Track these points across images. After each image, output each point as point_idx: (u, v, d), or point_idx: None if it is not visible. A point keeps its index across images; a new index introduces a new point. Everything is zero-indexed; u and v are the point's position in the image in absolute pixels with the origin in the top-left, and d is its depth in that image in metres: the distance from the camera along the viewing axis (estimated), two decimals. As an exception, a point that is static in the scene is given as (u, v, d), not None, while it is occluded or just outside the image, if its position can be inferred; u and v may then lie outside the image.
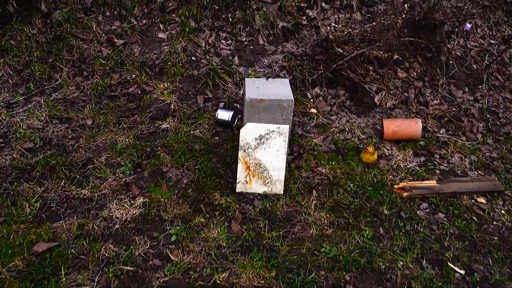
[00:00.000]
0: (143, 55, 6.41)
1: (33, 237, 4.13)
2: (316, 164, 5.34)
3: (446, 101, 6.48)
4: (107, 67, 6.23)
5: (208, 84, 6.21)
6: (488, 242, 4.46)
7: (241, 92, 6.11)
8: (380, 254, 4.22)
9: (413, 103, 6.37)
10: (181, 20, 6.59)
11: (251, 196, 4.84)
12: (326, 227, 4.50)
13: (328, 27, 6.64)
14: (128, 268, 3.96)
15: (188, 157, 5.28)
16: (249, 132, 4.74)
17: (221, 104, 6.07)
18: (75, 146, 5.29)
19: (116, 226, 4.33)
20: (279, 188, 4.87)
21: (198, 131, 5.72)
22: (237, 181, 4.88)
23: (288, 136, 4.83)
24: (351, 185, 5.05)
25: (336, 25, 6.58)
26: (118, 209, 4.51)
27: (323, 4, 6.97)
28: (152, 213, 4.51)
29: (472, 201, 4.91)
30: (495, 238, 4.52)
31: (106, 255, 4.06)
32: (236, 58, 6.48)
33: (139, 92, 6.12)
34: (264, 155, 4.83)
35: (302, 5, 6.94)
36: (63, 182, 4.75)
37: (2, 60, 6.11)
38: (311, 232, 4.43)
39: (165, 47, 6.46)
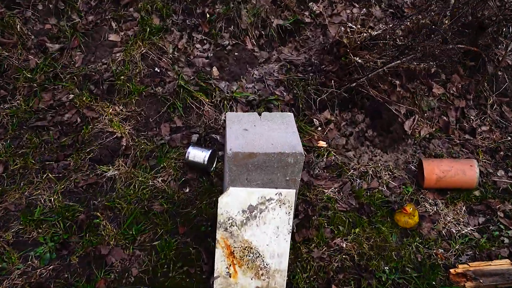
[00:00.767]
0: (87, 65, 4.46)
1: None
2: (333, 234, 3.50)
3: (497, 127, 4.66)
4: (34, 83, 4.27)
5: (176, 106, 4.31)
6: None
7: (223, 118, 4.20)
8: None
9: (455, 130, 4.54)
10: (141, 16, 4.64)
11: (236, 302, 3.00)
12: None
13: (340, 27, 4.73)
14: None
15: (143, 227, 3.40)
16: (232, 202, 2.88)
17: (194, 137, 4.17)
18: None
19: None
20: (280, 283, 3.02)
21: (160, 179, 3.84)
22: (215, 274, 3.01)
23: (294, 204, 2.97)
24: (386, 268, 3.23)
25: (351, 24, 4.68)
26: None
27: (332, -5, 5.07)
28: None
29: None
30: None
31: None
32: (215, 69, 4.57)
33: (78, 120, 4.20)
34: (257, 235, 2.97)
35: (304, -4, 5.03)
36: None
37: None
38: None
39: (117, 55, 4.51)
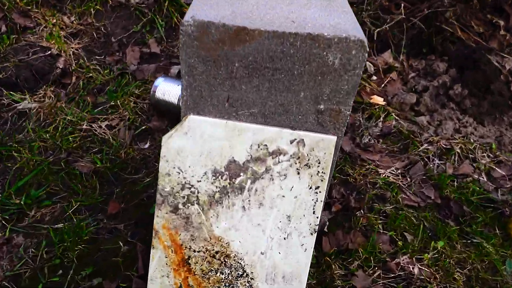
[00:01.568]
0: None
1: None
2: (394, 246, 1.75)
3: None
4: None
5: (156, 25, 2.68)
6: None
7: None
8: None
9: None
10: None
11: None
12: None
13: None
14: None
15: (45, 194, 1.75)
16: (192, 150, 1.19)
17: (175, 69, 2.54)
18: None
19: None
20: None
21: (104, 125, 2.21)
22: None
23: (330, 175, 1.25)
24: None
25: None
26: None
27: None
28: None
29: None
30: None
31: None
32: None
33: (2, 28, 2.61)
34: (241, 231, 1.27)
35: None
36: None
37: None
38: None
39: None
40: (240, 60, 1.17)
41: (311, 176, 1.30)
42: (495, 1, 2.98)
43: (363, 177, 2.15)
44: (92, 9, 2.81)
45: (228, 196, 1.32)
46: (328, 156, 1.27)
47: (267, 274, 1.38)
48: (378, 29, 2.74)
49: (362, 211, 1.95)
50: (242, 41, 1.15)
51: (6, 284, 1.52)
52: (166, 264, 1.38)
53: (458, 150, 2.37)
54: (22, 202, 1.78)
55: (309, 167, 1.29)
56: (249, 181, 1.30)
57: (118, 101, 2.39)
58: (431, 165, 2.28)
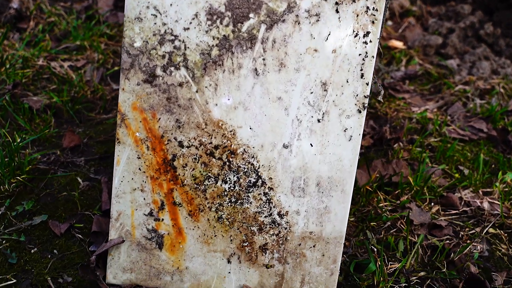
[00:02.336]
0: None
1: None
2: (449, 178, 1.27)
3: None
4: None
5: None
6: None
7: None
8: None
9: None
10: None
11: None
12: None
13: None
14: None
15: None
16: None
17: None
18: None
19: None
20: (327, 279, 0.79)
21: (67, 65, 1.74)
22: (111, 235, 0.82)
23: (384, 16, 0.80)
24: None
25: None
26: None
27: None
28: None
29: None
30: None
31: None
32: None
33: None
34: (263, 109, 0.79)
35: None
36: None
37: None
38: None
39: None
40: None
41: (357, 16, 0.85)
42: None
43: (394, 112, 1.70)
44: (58, -44, 2.40)
45: (232, 53, 0.86)
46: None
47: (293, 180, 0.91)
48: (391, -32, 2.38)
49: (400, 143, 1.49)
50: None
51: None
52: (139, 169, 0.89)
53: (502, 90, 1.95)
54: None
55: (354, 1, 0.84)
56: (263, 27, 0.85)
57: (85, 42, 1.94)
58: (471, 105, 1.84)
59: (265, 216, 0.93)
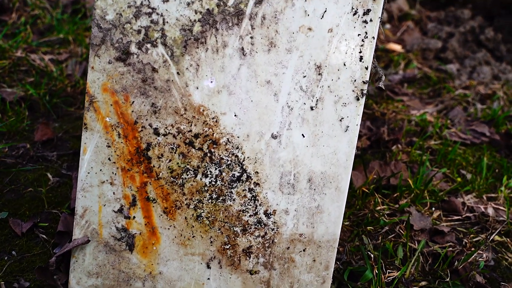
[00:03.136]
0: None
1: None
2: (451, 182, 1.17)
3: None
4: None
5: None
6: None
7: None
8: None
9: None
10: None
11: None
12: None
13: None
14: None
15: None
16: None
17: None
18: None
19: None
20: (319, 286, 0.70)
21: (48, 58, 1.64)
22: (75, 234, 0.71)
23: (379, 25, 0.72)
24: None
25: None
26: None
27: None
28: None
29: None
30: None
31: None
32: None
33: None
34: (249, 93, 0.69)
35: None
36: None
37: None
38: None
39: None
40: None
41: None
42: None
43: (393, 114, 1.62)
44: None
45: (216, 30, 0.76)
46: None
47: (282, 175, 0.81)
48: (389, -30, 2.31)
49: (399, 145, 1.40)
50: None
51: None
52: (109, 159, 0.79)
53: (502, 95, 1.87)
54: None
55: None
56: (251, 1, 0.76)
57: (69, 36, 1.84)
58: (471, 109, 1.76)
59: (250, 216, 0.83)
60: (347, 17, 0.77)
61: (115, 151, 0.80)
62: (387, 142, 1.39)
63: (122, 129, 0.79)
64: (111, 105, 0.79)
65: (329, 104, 0.80)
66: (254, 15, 0.77)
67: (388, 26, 2.30)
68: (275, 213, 0.83)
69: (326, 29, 0.78)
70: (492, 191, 1.27)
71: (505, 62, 2.13)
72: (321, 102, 0.80)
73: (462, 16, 2.29)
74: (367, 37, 0.78)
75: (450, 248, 1.03)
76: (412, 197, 1.18)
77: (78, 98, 1.55)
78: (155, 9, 0.76)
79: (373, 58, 0.80)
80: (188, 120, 0.80)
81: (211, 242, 0.84)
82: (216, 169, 0.81)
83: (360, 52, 0.79)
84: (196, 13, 0.76)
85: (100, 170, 0.81)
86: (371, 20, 0.78)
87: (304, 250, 0.84)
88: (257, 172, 0.82)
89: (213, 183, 0.82)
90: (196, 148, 0.81)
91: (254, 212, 0.83)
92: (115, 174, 0.81)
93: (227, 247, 0.84)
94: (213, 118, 0.80)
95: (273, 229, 0.84)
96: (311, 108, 0.80)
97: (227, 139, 0.80)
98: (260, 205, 0.83)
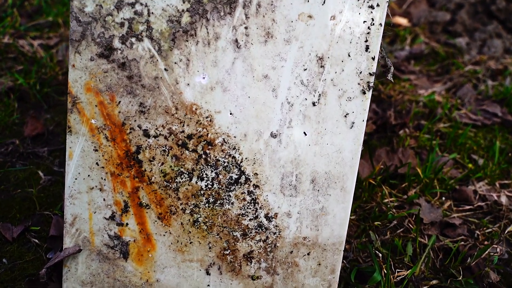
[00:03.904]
0: None
1: None
2: (462, 169, 1.11)
3: None
4: None
5: None
6: None
7: None
8: None
9: None
10: None
11: None
12: None
13: None
14: None
15: None
16: None
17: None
18: None
19: None
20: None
21: (38, 44, 1.57)
22: (65, 243, 0.66)
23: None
24: None
25: None
26: None
27: None
28: None
29: None
30: None
31: None
32: None
33: None
34: (246, 89, 0.63)
35: None
36: None
37: None
38: None
39: None
40: None
41: None
42: None
43: (399, 95, 1.54)
44: None
45: (207, 20, 0.69)
46: None
47: (284, 176, 0.75)
48: None
49: (407, 129, 1.34)
50: None
51: None
52: (97, 164, 0.73)
53: (514, 69, 1.78)
54: None
55: (358, -46, 0.68)
56: (245, -12, 0.68)
57: (59, 19, 1.76)
58: (481, 87, 1.68)
59: (250, 219, 0.78)
60: (351, 2, 0.70)
61: (103, 155, 0.74)
62: (394, 127, 1.33)
63: (109, 131, 0.73)
64: (96, 106, 0.72)
65: (332, 98, 0.74)
66: (248, 3, 0.69)
67: (394, -2, 2.19)
68: (276, 216, 0.78)
69: (328, 16, 0.70)
70: (505, 177, 1.21)
71: (517, 33, 2.03)
72: (324, 97, 0.73)
73: (471, -14, 2.17)
74: (373, 24, 0.71)
75: (462, 242, 0.98)
76: (421, 186, 1.12)
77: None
78: (139, -1, 0.69)
79: (381, 47, 0.73)
80: (180, 120, 0.74)
81: (209, 247, 0.79)
82: (212, 171, 0.76)
83: (366, 41, 0.72)
84: (184, 2, 0.69)
85: (88, 175, 0.75)
86: (378, 5, 0.70)
87: (308, 254, 0.80)
88: (256, 174, 0.76)
89: (210, 186, 0.76)
90: (190, 149, 0.75)
91: (254, 215, 0.78)
92: (105, 179, 0.75)
93: (227, 252, 0.79)
94: (207, 117, 0.74)
95: (275, 233, 0.79)
96: (313, 104, 0.74)
97: (223, 139, 0.74)
98: (260, 208, 0.77)
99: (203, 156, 0.75)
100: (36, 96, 1.39)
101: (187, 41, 0.70)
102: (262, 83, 0.73)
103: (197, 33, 0.70)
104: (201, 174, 0.76)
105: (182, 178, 0.76)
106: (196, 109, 0.73)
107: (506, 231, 1.02)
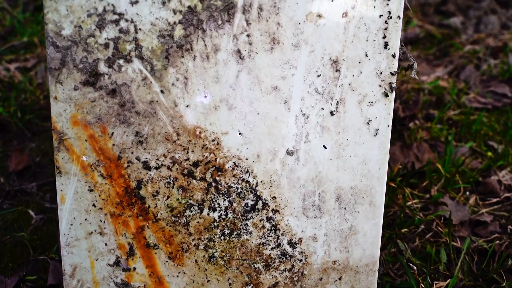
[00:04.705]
0: None
1: None
2: (484, 163, 1.03)
3: None
4: None
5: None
6: None
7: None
8: None
9: None
10: None
11: None
12: None
13: None
14: None
15: None
16: None
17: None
18: None
19: None
20: None
21: (15, 67, 1.46)
22: None
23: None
24: None
25: None
26: None
27: None
28: None
29: None
30: None
31: None
32: None
33: None
34: (253, 104, 0.53)
35: None
36: None
37: None
38: None
39: None
40: None
41: None
42: None
43: (402, 84, 1.46)
44: None
45: (203, 31, 0.60)
46: None
47: (305, 197, 0.66)
48: None
49: (417, 121, 1.26)
50: None
51: None
52: (94, 205, 0.64)
53: (515, 46, 1.72)
54: None
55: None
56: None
57: (35, 38, 1.65)
58: (483, 66, 1.61)
59: (272, 248, 0.69)
60: (365, -5, 0.61)
61: (99, 195, 0.65)
62: (403, 119, 1.25)
63: (104, 167, 0.64)
64: (85, 140, 0.63)
65: (352, 105, 0.65)
66: (248, 7, 0.61)
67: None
68: (301, 241, 0.70)
69: (340, 13, 0.62)
70: (529, 162, 1.14)
71: (510, 8, 1.96)
72: (342, 104, 0.65)
73: (459, -38, 2.10)
74: (391, 17, 0.63)
75: (497, 241, 0.90)
76: (442, 182, 1.05)
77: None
78: (123, 14, 0.60)
79: (401, 42, 0.65)
80: (183, 146, 0.65)
81: (229, 284, 0.70)
82: (224, 200, 0.67)
83: (384, 37, 0.63)
84: (175, 13, 0.60)
85: (85, 219, 0.66)
86: (395, -4, 0.62)
87: (340, 279, 0.71)
88: (274, 197, 0.68)
89: (224, 216, 0.68)
90: (198, 178, 0.66)
91: (276, 243, 0.69)
92: (104, 221, 0.66)
93: (250, 287, 0.71)
94: (213, 140, 0.65)
95: (301, 260, 0.70)
96: (331, 113, 0.65)
97: (234, 163, 0.66)
98: (282, 234, 0.69)
99: (213, 184, 0.66)
100: (17, 124, 1.28)
101: (183, 57, 0.61)
102: (272, 96, 0.64)
103: (193, 47, 0.61)
104: (212, 204, 0.67)
105: (191, 211, 0.67)
106: (200, 132, 0.64)
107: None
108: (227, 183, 0.67)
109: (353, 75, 0.64)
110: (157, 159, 0.65)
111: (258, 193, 0.67)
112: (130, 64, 0.61)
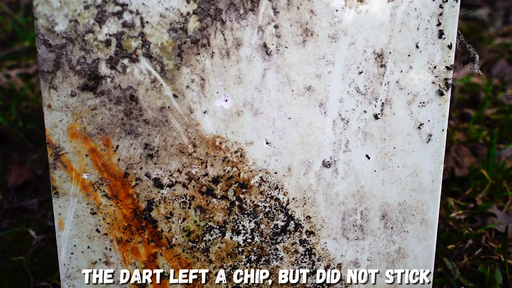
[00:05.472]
0: None
1: None
2: None
3: None
4: None
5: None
6: None
7: None
8: None
9: None
10: None
11: None
12: None
13: None
14: None
15: None
16: None
17: None
18: None
19: None
20: None
21: (14, 73, 1.37)
22: None
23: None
24: None
25: None
26: None
27: None
28: None
29: None
30: None
31: None
32: None
33: None
34: (283, 108, 0.43)
35: None
36: None
37: None
38: None
39: None
40: None
41: None
42: None
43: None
44: None
45: (222, 23, 0.50)
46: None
47: (345, 215, 0.56)
48: None
49: (452, 121, 1.15)
50: None
51: None
52: (97, 231, 0.54)
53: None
54: None
55: None
56: None
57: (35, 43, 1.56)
58: (517, 60, 1.49)
59: (307, 275, 0.59)
60: (415, -26, 0.51)
61: (104, 219, 0.56)
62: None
63: (108, 186, 0.55)
64: (86, 155, 0.54)
65: (400, 106, 0.55)
66: (275, -7, 0.51)
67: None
68: (340, 267, 0.59)
69: (386, -3, 0.52)
70: None
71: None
72: (388, 106, 0.55)
73: (483, -49, 1.99)
74: (446, 0, 0.52)
75: (559, 258, 0.79)
76: (487, 190, 0.94)
77: (57, 118, 1.29)
78: (126, 5, 0.50)
79: (458, 30, 0.55)
80: (201, 159, 0.55)
81: (257, 319, 0.60)
82: (250, 221, 0.57)
83: (439, 24, 0.53)
84: (188, 2, 0.50)
85: (88, 247, 0.56)
86: (451, -26, 0.51)
87: (386, 311, 0.61)
88: (308, 217, 0.57)
89: (249, 240, 0.58)
90: (218, 197, 0.56)
91: (311, 270, 0.59)
92: (110, 249, 0.57)
93: (281, 322, 0.61)
94: (236, 152, 0.55)
95: (340, 290, 0.60)
96: (375, 117, 0.55)
97: (261, 177, 0.56)
98: (318, 260, 0.59)
99: (237, 202, 0.56)
100: (19, 135, 1.20)
101: (199, 54, 0.52)
102: (304, 98, 0.54)
103: (210, 42, 0.51)
104: (236, 227, 0.57)
105: (212, 235, 0.57)
106: (220, 143, 0.54)
107: None
108: (253, 202, 0.57)
109: (401, 71, 0.54)
110: (171, 176, 0.55)
111: (289, 213, 0.57)
112: (137, 64, 0.52)
